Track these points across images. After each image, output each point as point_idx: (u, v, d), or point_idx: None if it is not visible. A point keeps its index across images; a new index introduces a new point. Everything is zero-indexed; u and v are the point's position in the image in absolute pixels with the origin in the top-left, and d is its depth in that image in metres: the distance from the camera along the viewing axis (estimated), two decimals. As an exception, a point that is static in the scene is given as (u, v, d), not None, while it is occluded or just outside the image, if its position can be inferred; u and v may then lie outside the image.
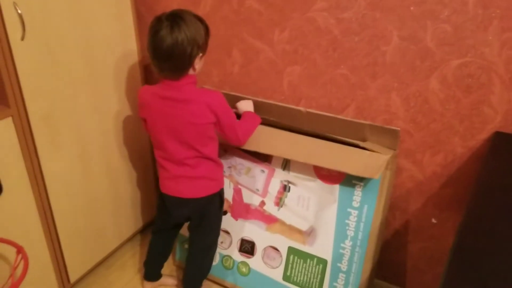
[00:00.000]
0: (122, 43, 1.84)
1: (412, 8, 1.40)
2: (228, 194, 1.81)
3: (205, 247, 1.73)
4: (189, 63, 1.42)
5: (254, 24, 1.70)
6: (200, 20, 1.44)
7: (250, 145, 1.66)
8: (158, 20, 1.40)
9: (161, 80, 1.47)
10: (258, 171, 1.75)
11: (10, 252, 1.50)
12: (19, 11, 1.41)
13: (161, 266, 1.88)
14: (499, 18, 1.29)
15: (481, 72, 1.37)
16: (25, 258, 1.32)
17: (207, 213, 1.64)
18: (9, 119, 1.48)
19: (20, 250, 1.34)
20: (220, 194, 1.65)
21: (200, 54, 1.44)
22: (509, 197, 1.10)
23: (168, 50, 1.37)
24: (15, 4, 1.40)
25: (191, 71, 1.45)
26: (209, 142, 1.54)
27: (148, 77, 2.00)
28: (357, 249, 1.60)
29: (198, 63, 1.45)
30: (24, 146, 1.54)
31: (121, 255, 2.10)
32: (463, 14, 1.34)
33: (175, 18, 1.38)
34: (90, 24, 1.67)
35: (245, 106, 1.68)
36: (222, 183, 1.65)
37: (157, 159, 1.59)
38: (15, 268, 1.36)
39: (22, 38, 1.45)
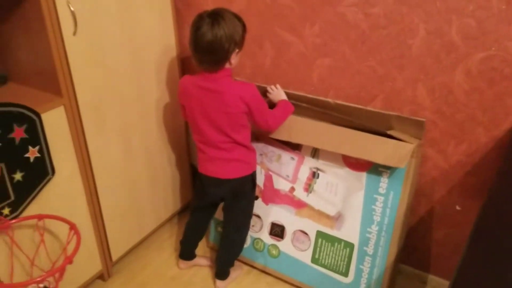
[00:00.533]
0: (162, 37, 1.96)
1: (438, 3, 1.47)
2: (260, 180, 1.91)
3: (237, 226, 1.85)
4: (226, 58, 1.55)
5: (285, 19, 1.79)
6: (238, 18, 1.57)
7: (282, 135, 1.76)
8: (200, 17, 1.52)
9: (200, 72, 1.59)
10: (288, 158, 1.85)
11: (61, 230, 1.64)
12: (72, 9, 1.54)
13: (196, 246, 2.01)
14: (522, 12, 1.35)
15: (505, 65, 1.43)
16: (78, 234, 1.46)
17: (240, 194, 1.76)
18: (61, 108, 1.62)
19: (72, 227, 1.48)
20: (252, 177, 1.77)
21: (237, 50, 1.57)
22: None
23: (208, 45, 1.50)
24: (68, 2, 1.53)
25: (227, 65, 1.57)
26: (241, 129, 1.65)
27: (185, 69, 2.11)
28: (383, 233, 1.68)
29: (234, 58, 1.58)
30: (74, 132, 1.67)
31: (158, 236, 2.23)
32: (487, 9, 1.39)
33: (216, 16, 1.51)
34: (134, 21, 1.80)
35: (278, 95, 1.78)
36: (254, 166, 1.77)
37: (196, 143, 1.73)
38: (68, 243, 1.50)
39: (74, 33, 1.58)
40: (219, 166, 1.70)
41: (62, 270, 1.37)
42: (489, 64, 1.45)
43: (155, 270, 2.05)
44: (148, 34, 1.88)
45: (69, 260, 1.35)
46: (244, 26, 1.59)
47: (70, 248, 1.52)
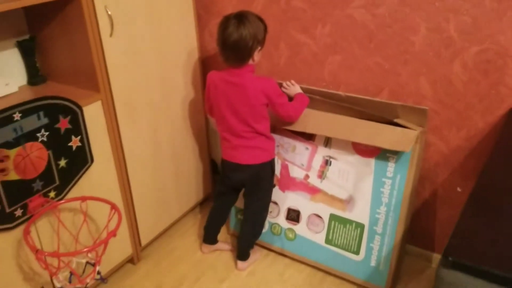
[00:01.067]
0: (185, 40, 2.14)
1: (437, 3, 1.65)
2: (276, 169, 2.08)
3: (257, 210, 2.03)
4: (250, 55, 1.76)
5: (299, 21, 1.98)
6: (261, 19, 1.78)
7: (298, 126, 1.94)
8: (227, 18, 1.73)
9: (226, 68, 1.78)
10: (303, 148, 2.02)
11: (99, 212, 1.81)
12: (109, 12, 1.73)
13: (218, 231, 2.18)
14: (512, 9, 1.53)
15: (497, 57, 1.61)
16: (119, 212, 1.63)
17: (259, 180, 1.94)
18: (99, 103, 1.80)
19: (113, 206, 1.66)
20: (271, 164, 1.95)
21: (259, 48, 1.78)
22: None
23: (234, 43, 1.71)
24: (106, 7, 1.72)
25: (250, 61, 1.78)
26: (262, 120, 1.84)
27: (205, 69, 2.29)
28: (391, 214, 1.84)
29: (257, 55, 1.78)
30: (109, 125, 1.85)
31: (182, 224, 2.40)
32: (481, 7, 1.57)
33: (241, 17, 1.72)
34: (161, 25, 1.98)
35: (294, 89, 1.96)
36: (273, 154, 1.95)
37: (220, 133, 1.92)
38: (109, 220, 1.68)
39: (111, 35, 1.77)
40: (241, 153, 1.89)
41: (106, 243, 1.54)
42: (484, 56, 1.63)
43: (180, 255, 2.21)
44: (173, 37, 2.07)
45: (113, 233, 1.52)
46: (265, 26, 1.79)
47: (111, 226, 1.69)
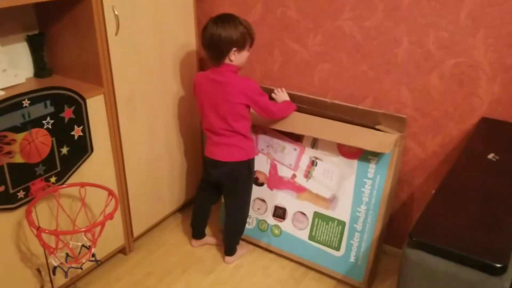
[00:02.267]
0: (185, 41, 2.28)
1: (418, 19, 1.80)
2: (265, 169, 2.21)
3: (236, 209, 2.13)
4: (223, 54, 1.88)
5: (293, 30, 2.12)
6: (242, 22, 1.89)
7: (286, 127, 2.07)
8: (210, 19, 1.89)
9: (210, 66, 1.95)
10: (291, 149, 2.15)
11: (97, 199, 1.92)
12: (116, 12, 1.86)
13: (204, 226, 2.30)
14: (484, 27, 1.68)
15: (471, 70, 1.75)
16: (116, 197, 1.74)
17: (235, 178, 2.04)
18: (101, 96, 1.92)
19: (111, 192, 1.77)
20: (248, 163, 2.04)
21: (235, 49, 1.88)
22: (480, 163, 1.47)
23: (208, 41, 1.89)
24: (113, 7, 1.85)
25: (227, 61, 1.90)
26: (240, 119, 1.95)
27: (202, 70, 2.42)
28: (370, 212, 1.97)
29: (234, 56, 1.89)
30: (110, 117, 1.97)
31: (173, 219, 2.51)
32: (457, 24, 1.73)
33: (220, 18, 1.89)
34: (164, 27, 2.12)
35: (282, 96, 2.09)
36: (251, 153, 2.05)
37: (204, 130, 2.05)
38: (106, 206, 1.79)
39: (116, 34, 1.89)
40: (219, 150, 2.00)
41: (103, 225, 1.65)
42: (459, 69, 1.78)
43: (171, 248, 2.32)
44: (174, 39, 2.20)
45: (111, 216, 1.63)
46: (248, 31, 1.90)
47: (108, 212, 1.79)
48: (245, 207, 2.16)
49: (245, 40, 1.90)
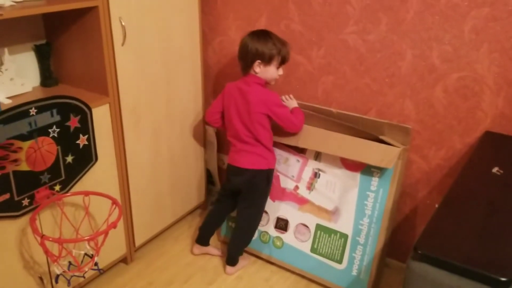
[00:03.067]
0: (190, 53, 2.29)
1: (422, 33, 1.81)
2: (269, 180, 2.21)
3: (248, 218, 2.14)
4: (248, 65, 1.97)
5: (297, 42, 2.14)
6: (274, 40, 1.97)
7: (291, 141, 2.08)
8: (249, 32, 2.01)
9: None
10: (294, 160, 2.15)
11: (100, 208, 1.92)
12: (123, 23, 1.88)
13: (212, 233, 2.30)
14: (488, 41, 1.70)
15: (475, 84, 1.77)
16: (119, 206, 1.74)
17: (253, 186, 2.07)
18: (107, 106, 1.94)
19: (114, 201, 1.77)
20: (268, 173, 2.07)
21: (259, 61, 1.94)
22: (484, 177, 1.47)
23: (240, 50, 2.00)
24: (120, 18, 1.87)
25: (252, 72, 1.97)
26: (260, 128, 2.00)
27: (207, 83, 2.45)
28: (373, 225, 1.97)
29: (258, 68, 1.96)
30: (115, 127, 1.98)
31: (175, 230, 2.51)
32: (461, 38, 1.74)
33: (257, 31, 2.00)
34: (169, 39, 2.14)
35: (291, 103, 2.12)
36: (271, 164, 2.08)
37: (228, 138, 2.09)
38: (110, 214, 1.79)
39: (122, 44, 1.91)
40: (242, 157, 2.05)
41: (107, 233, 1.65)
42: (463, 82, 1.79)
43: (172, 258, 2.31)
44: (179, 51, 2.22)
45: (114, 224, 1.63)
46: (277, 48, 1.96)
47: (111, 221, 1.79)
48: (256, 217, 2.17)
49: (271, 56, 1.97)
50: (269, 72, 1.99)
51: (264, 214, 2.24)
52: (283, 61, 2.01)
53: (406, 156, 1.95)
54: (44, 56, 2.00)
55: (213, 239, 2.38)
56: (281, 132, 2.09)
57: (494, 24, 1.67)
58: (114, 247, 2.13)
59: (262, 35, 1.98)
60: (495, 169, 1.48)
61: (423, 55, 1.84)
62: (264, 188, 2.11)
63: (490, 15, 1.67)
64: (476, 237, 1.17)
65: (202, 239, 2.29)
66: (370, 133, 1.94)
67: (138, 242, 2.27)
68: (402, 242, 2.15)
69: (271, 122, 2.03)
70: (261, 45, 1.94)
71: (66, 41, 1.97)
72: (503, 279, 1.03)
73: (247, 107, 1.98)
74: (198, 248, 2.30)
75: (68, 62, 2.01)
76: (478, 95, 1.77)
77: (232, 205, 2.24)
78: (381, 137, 1.92)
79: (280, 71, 2.03)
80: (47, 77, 2.03)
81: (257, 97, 1.97)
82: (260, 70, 1.97)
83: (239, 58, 2.02)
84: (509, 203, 1.31)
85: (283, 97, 2.14)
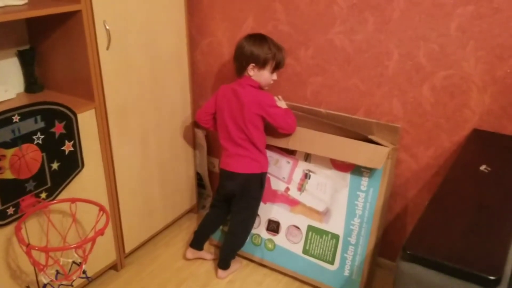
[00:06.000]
0: (177, 55, 2.28)
1: (408, 32, 1.81)
2: (259, 182, 2.19)
3: (242, 220, 2.13)
4: (242, 67, 1.97)
5: (285, 44, 2.12)
6: (270, 44, 1.97)
7: (281, 143, 2.07)
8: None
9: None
10: (285, 162, 2.14)
11: (88, 215, 1.90)
12: (107, 27, 1.86)
13: (207, 238, 2.29)
14: (474, 39, 1.69)
15: (462, 82, 1.76)
16: (107, 213, 1.72)
17: (246, 190, 2.05)
18: (93, 111, 1.91)
19: (102, 208, 1.75)
20: (261, 177, 2.06)
21: (252, 65, 1.95)
22: (472, 175, 1.47)
23: (235, 52, 2.00)
24: (105, 22, 1.85)
25: (246, 74, 1.97)
26: (254, 130, 1.99)
27: (194, 86, 2.43)
28: (364, 225, 1.96)
29: (252, 71, 1.97)
30: (101, 132, 1.96)
31: (165, 235, 2.48)
32: (447, 36, 1.74)
33: (253, 35, 2.01)
34: (156, 42, 2.12)
35: (280, 105, 2.10)
36: (264, 167, 2.07)
37: (221, 142, 2.07)
38: (97, 221, 1.76)
39: (107, 48, 1.89)
40: (235, 161, 2.03)
41: (94, 241, 1.63)
42: (450, 81, 1.78)
43: (163, 263, 2.29)
44: (166, 54, 2.20)
45: (102, 231, 1.61)
46: (272, 53, 1.96)
47: (99, 228, 1.77)
48: (249, 221, 2.16)
49: (266, 60, 1.96)
50: (263, 76, 1.98)
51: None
52: (277, 66, 2.00)
53: (395, 156, 1.94)
54: (28, 61, 1.98)
55: (205, 244, 2.36)
56: (271, 134, 2.07)
57: (480, 22, 1.67)
58: (103, 254, 2.10)
59: (259, 38, 1.98)
60: (483, 167, 1.48)
61: (410, 54, 1.83)
62: (257, 192, 2.09)
63: (476, 12, 1.67)
64: (465, 236, 1.16)
65: (197, 243, 2.27)
66: (359, 133, 1.94)
67: (128, 248, 2.24)
68: (393, 242, 2.14)
69: (264, 124, 2.01)
70: (256, 48, 1.94)
71: (50, 46, 1.94)
72: (491, 277, 1.02)
73: (240, 108, 1.97)
74: (192, 253, 2.28)
75: (53, 67, 1.99)
76: (466, 93, 1.77)
77: (228, 210, 2.22)
78: (371, 136, 1.91)
79: (274, 76, 2.02)
80: (32, 83, 2.00)
81: (251, 98, 1.96)
82: (254, 73, 1.97)
83: (235, 59, 2.01)
84: (497, 201, 1.31)
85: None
